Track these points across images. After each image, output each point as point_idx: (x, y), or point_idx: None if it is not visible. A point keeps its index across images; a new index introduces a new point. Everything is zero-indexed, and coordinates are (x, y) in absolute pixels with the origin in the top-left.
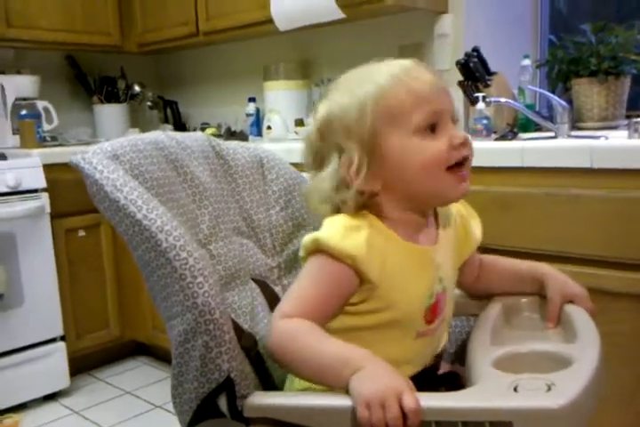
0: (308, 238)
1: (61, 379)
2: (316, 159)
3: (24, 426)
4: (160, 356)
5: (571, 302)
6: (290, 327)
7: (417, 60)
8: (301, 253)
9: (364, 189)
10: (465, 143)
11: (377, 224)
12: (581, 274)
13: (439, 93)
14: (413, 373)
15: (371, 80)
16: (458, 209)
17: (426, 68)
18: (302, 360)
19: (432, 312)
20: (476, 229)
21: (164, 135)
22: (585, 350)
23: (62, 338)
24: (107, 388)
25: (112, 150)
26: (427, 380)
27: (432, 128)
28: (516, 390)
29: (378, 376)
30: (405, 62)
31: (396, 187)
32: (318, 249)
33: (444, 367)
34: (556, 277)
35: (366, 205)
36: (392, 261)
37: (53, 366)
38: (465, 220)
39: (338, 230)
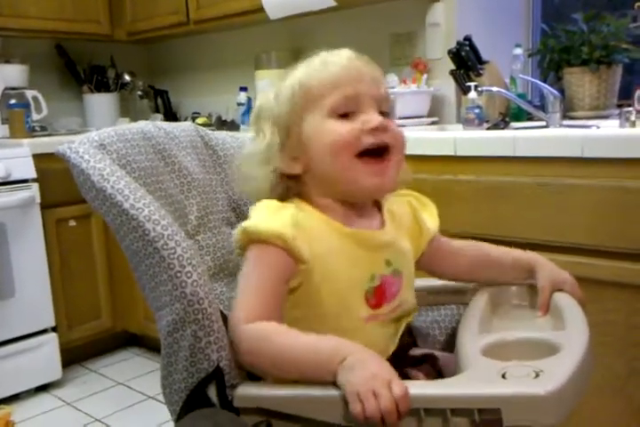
0: (236, 231)
1: (53, 370)
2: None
3: (16, 418)
4: (152, 346)
5: (560, 290)
6: (257, 331)
7: (351, 50)
8: (236, 250)
9: (282, 170)
10: (383, 128)
11: (306, 208)
12: (572, 263)
13: (357, 79)
14: None
15: (293, 72)
16: (408, 201)
17: (350, 56)
18: (282, 362)
19: (376, 296)
20: (430, 219)
21: (152, 125)
22: (573, 338)
23: (54, 329)
24: (99, 379)
25: (99, 140)
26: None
27: (348, 113)
28: (504, 377)
29: (364, 364)
30: (327, 53)
31: (315, 171)
32: (250, 239)
33: (420, 350)
34: (546, 265)
35: (295, 193)
36: (322, 242)
37: (45, 357)
38: (416, 212)
39: (262, 213)
